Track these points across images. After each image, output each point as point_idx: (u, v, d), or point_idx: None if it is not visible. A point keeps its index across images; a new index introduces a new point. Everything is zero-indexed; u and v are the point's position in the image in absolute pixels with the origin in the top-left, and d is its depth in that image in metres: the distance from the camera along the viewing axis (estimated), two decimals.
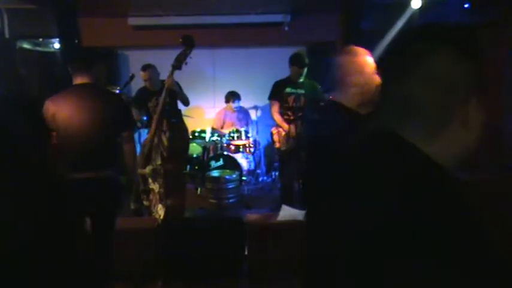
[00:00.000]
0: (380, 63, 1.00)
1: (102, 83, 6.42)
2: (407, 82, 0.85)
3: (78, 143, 3.15)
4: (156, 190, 4.53)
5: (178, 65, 4.40)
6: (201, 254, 3.91)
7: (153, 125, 4.57)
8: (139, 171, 4.71)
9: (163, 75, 5.16)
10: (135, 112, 5.51)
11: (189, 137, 5.41)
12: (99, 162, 3.23)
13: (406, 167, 0.83)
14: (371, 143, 0.93)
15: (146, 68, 5.26)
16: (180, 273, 3.92)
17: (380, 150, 0.90)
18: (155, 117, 4.60)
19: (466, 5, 5.31)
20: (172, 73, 4.48)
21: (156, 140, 4.57)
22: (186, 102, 5.19)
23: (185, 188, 5.02)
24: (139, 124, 5.62)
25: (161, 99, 4.55)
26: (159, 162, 4.53)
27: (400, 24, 6.27)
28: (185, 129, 5.01)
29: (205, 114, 7.57)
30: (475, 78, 0.84)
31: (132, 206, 5.19)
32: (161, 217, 4.39)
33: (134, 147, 3.58)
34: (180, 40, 4.39)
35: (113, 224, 3.35)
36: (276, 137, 5.22)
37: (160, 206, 4.44)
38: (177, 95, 4.93)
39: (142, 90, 5.46)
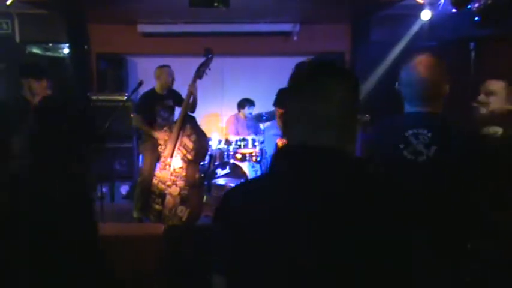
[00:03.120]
0: (294, 87, 1.16)
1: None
2: (319, 104, 1.08)
3: None
4: (176, 193, 4.58)
5: (200, 74, 4.76)
6: (206, 263, 3.88)
7: (176, 130, 4.67)
8: (157, 174, 4.74)
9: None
10: (138, 118, 5.38)
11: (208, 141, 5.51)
12: None
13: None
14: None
15: (164, 65, 5.35)
16: (184, 281, 3.90)
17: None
18: (179, 122, 4.71)
19: (476, 18, 5.29)
20: (194, 81, 4.77)
21: (178, 143, 4.64)
22: (194, 109, 5.21)
23: (201, 190, 5.09)
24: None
25: (184, 104, 4.81)
26: (179, 165, 4.58)
27: (409, 35, 6.26)
28: (205, 133, 5.05)
29: (212, 122, 7.57)
30: (357, 105, 1.12)
31: (135, 215, 5.20)
32: (183, 219, 4.51)
33: None
34: (204, 51, 4.75)
35: None
36: (280, 144, 5.15)
37: (181, 208, 4.53)
38: (192, 101, 4.97)
39: (148, 95, 5.39)
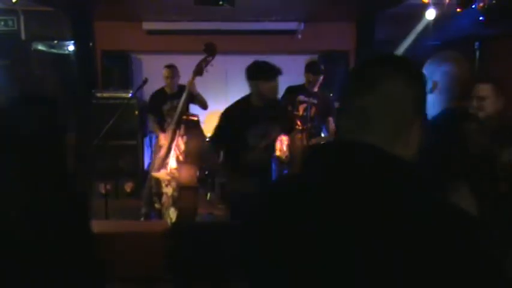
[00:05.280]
0: (344, 80, 1.07)
1: None
2: (363, 97, 0.96)
3: None
4: (170, 193, 4.56)
5: (199, 71, 4.52)
6: (210, 260, 3.90)
7: (171, 130, 4.63)
8: (154, 174, 4.75)
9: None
10: (149, 117, 5.54)
11: (205, 142, 5.43)
12: None
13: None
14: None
15: (170, 65, 5.33)
16: (188, 278, 3.91)
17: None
18: (173, 120, 4.65)
19: (480, 18, 5.28)
20: (193, 78, 4.60)
21: (173, 144, 4.62)
22: (204, 105, 5.21)
23: (197, 193, 5.02)
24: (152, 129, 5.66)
25: (180, 103, 4.63)
26: (174, 166, 4.57)
27: (413, 34, 6.25)
28: (202, 134, 5.02)
29: (217, 120, 7.56)
30: (419, 104, 0.99)
31: (143, 210, 5.24)
32: (173, 220, 4.41)
33: None
34: (203, 47, 4.52)
35: None
36: (278, 145, 5.05)
37: (172, 209, 4.47)
38: (195, 98, 4.96)
39: (157, 94, 5.48)
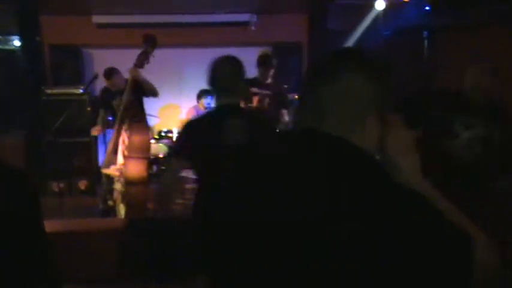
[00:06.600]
0: (305, 74, 1.11)
1: None
2: (321, 89, 0.99)
3: None
4: (119, 189, 4.50)
5: (139, 63, 4.40)
6: (167, 255, 3.87)
7: (117, 125, 4.53)
8: (103, 170, 4.67)
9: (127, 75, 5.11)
10: (101, 112, 5.43)
11: (150, 136, 5.33)
12: None
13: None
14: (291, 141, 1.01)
15: (110, 75, 5.07)
16: (146, 274, 3.88)
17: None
18: (118, 116, 4.55)
19: (427, 8, 5.44)
20: (135, 70, 4.47)
21: (119, 139, 4.54)
22: (154, 92, 5.05)
23: (147, 188, 4.95)
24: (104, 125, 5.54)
25: (124, 97, 4.53)
26: (122, 162, 4.50)
27: (364, 25, 6.36)
28: (146, 128, 4.93)
29: (171, 114, 7.49)
30: (377, 99, 0.99)
31: (101, 206, 5.15)
32: (122, 216, 4.37)
33: None
34: (142, 39, 4.39)
35: None
36: None
37: (121, 205, 4.41)
38: (142, 87, 4.78)
39: (106, 90, 5.35)
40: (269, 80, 5.00)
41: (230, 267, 0.99)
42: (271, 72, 4.96)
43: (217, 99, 2.60)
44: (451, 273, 0.83)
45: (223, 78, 2.48)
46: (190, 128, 2.63)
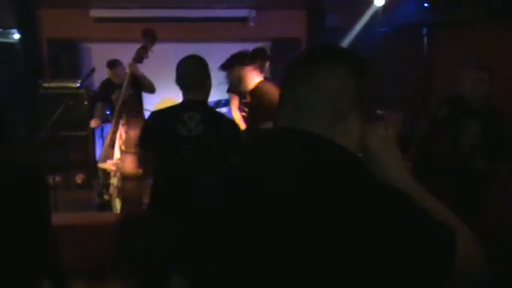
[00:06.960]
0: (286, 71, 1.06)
1: None
2: (300, 86, 0.97)
3: None
4: (115, 184, 4.49)
5: (138, 58, 4.37)
6: (161, 250, 3.87)
7: (114, 119, 4.52)
8: (100, 165, 4.66)
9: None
10: (99, 106, 5.43)
11: None
12: None
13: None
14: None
15: (113, 66, 5.15)
16: (141, 269, 3.87)
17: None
18: (116, 110, 4.54)
19: (426, 4, 5.42)
20: (133, 65, 4.46)
21: (117, 133, 4.53)
22: (152, 89, 5.07)
23: (143, 183, 4.94)
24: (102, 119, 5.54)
25: (122, 91, 4.52)
26: (119, 156, 4.49)
27: (363, 21, 6.34)
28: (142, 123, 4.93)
29: None
30: (358, 97, 0.96)
31: (97, 200, 5.15)
32: (118, 211, 4.37)
33: None
34: (141, 34, 4.34)
35: None
36: None
37: (117, 200, 4.41)
38: (140, 82, 4.82)
39: (105, 83, 5.36)
40: (263, 75, 4.97)
41: (206, 268, 0.97)
42: (267, 64, 4.94)
43: (183, 96, 2.72)
44: (433, 268, 0.82)
45: (187, 76, 2.64)
46: (152, 119, 2.80)
